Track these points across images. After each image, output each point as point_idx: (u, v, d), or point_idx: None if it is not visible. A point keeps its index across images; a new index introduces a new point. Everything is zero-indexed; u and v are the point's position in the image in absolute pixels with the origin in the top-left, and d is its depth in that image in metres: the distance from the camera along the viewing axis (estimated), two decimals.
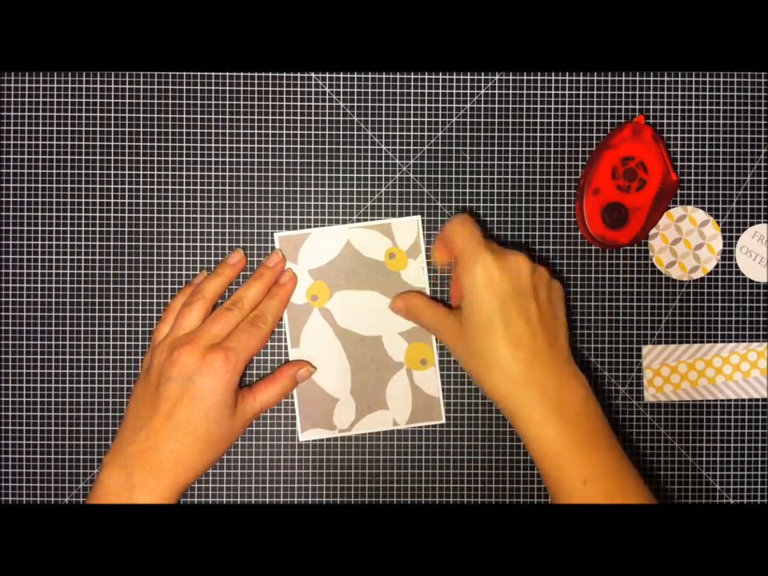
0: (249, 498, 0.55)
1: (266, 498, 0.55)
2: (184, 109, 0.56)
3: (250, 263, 0.56)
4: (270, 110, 0.56)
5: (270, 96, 0.56)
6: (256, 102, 0.56)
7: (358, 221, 0.55)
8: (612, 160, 0.54)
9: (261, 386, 0.53)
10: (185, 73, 0.56)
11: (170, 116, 0.56)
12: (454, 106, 0.56)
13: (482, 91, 0.56)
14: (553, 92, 0.56)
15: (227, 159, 0.56)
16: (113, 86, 0.56)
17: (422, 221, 0.55)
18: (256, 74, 0.56)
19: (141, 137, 0.56)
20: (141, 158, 0.56)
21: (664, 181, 0.54)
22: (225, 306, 0.52)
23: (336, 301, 0.55)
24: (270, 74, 0.56)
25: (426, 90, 0.56)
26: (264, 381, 0.53)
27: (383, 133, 0.56)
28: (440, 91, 0.56)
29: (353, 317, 0.55)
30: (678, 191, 0.56)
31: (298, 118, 0.56)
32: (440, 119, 0.56)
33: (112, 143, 0.56)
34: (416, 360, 0.55)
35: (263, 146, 0.56)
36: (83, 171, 0.55)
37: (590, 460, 0.47)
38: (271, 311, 0.53)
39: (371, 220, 0.55)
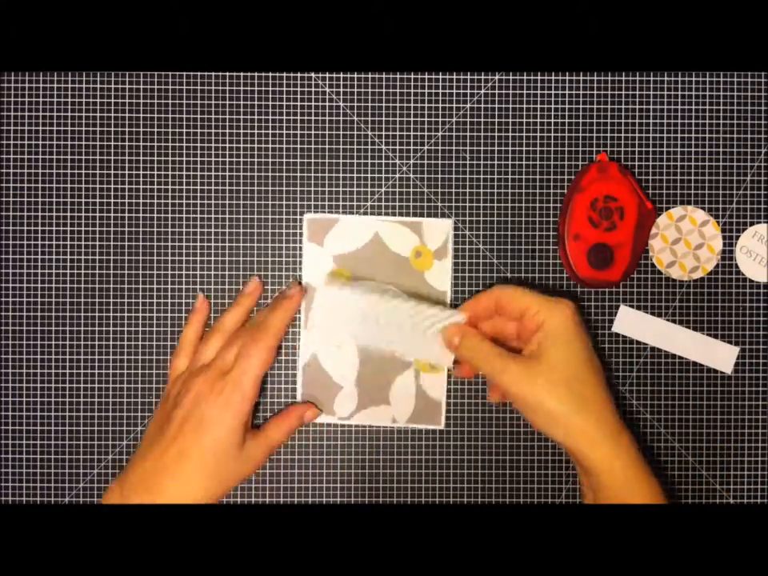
0: (249, 497, 0.55)
1: (265, 498, 0.55)
2: (184, 109, 0.56)
3: (250, 263, 0.56)
4: (270, 110, 0.56)
5: (270, 96, 0.56)
6: (256, 102, 0.56)
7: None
8: (584, 202, 0.54)
9: (270, 424, 0.53)
10: (185, 73, 0.56)
11: (169, 116, 0.56)
12: (454, 105, 0.56)
13: (482, 91, 0.56)
14: (553, 92, 0.56)
15: (227, 159, 0.56)
16: (113, 86, 0.56)
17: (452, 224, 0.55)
18: (256, 73, 0.56)
19: (141, 137, 0.56)
20: (141, 157, 0.56)
21: (640, 212, 0.54)
22: (238, 333, 0.53)
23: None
24: (270, 74, 0.56)
25: (426, 90, 0.56)
26: (273, 419, 0.54)
27: (383, 133, 0.56)
28: (440, 91, 0.56)
29: None
30: (679, 191, 0.56)
31: (298, 117, 0.56)
32: (440, 119, 0.56)
33: (112, 143, 0.56)
34: (425, 362, 0.55)
35: (263, 145, 0.56)
36: (83, 171, 0.55)
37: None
38: (275, 323, 0.52)
39: (402, 216, 0.56)
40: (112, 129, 0.56)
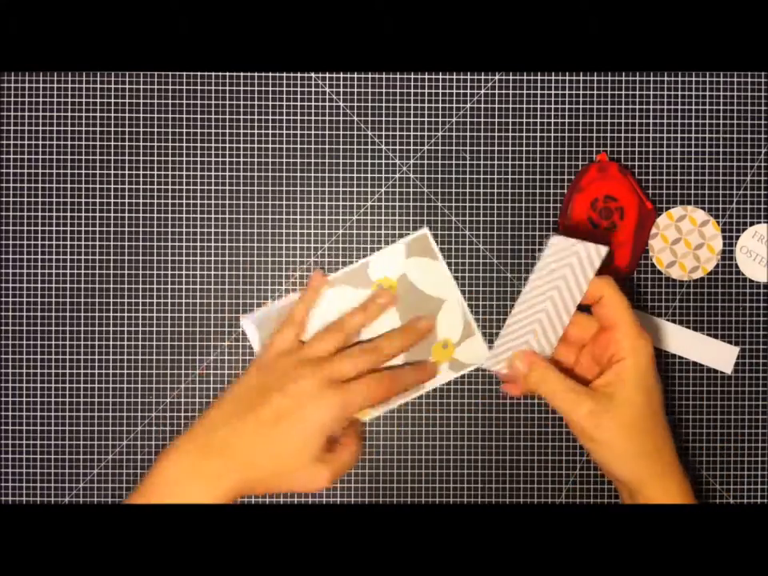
0: (250, 497, 0.55)
1: (266, 498, 0.55)
2: (184, 109, 0.56)
3: (250, 263, 0.56)
4: (270, 110, 0.56)
5: (270, 96, 0.56)
6: (256, 102, 0.56)
7: (358, 220, 0.55)
8: (584, 202, 0.54)
9: (340, 448, 0.50)
10: (185, 73, 0.56)
11: (169, 116, 0.56)
12: (454, 105, 0.56)
13: (482, 91, 0.56)
14: (553, 92, 0.56)
15: (227, 159, 0.56)
16: (113, 86, 0.56)
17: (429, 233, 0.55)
18: (256, 74, 0.56)
19: (141, 137, 0.56)
20: (141, 157, 0.56)
21: (640, 212, 0.54)
22: (365, 347, 0.51)
23: None
24: (270, 74, 0.56)
25: (426, 90, 0.56)
26: (341, 444, 0.51)
27: (383, 133, 0.56)
28: (440, 91, 0.56)
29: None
30: (679, 191, 0.56)
31: (298, 117, 0.56)
32: (440, 119, 0.56)
33: (112, 143, 0.56)
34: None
35: (263, 145, 0.56)
36: (83, 171, 0.55)
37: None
38: (406, 379, 0.52)
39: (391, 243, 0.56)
40: (112, 129, 0.56)
